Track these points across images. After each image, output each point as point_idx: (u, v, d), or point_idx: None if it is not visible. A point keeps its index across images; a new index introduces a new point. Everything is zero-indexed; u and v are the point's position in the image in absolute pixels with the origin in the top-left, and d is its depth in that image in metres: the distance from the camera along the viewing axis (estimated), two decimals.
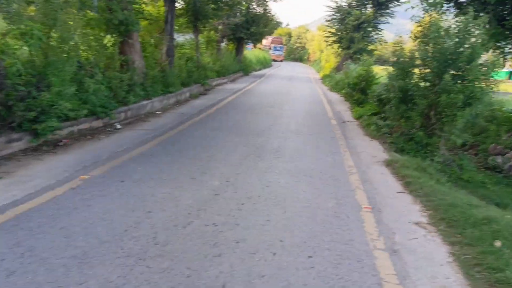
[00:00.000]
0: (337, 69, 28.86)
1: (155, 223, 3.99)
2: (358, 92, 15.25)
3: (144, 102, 10.18)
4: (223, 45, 28.89)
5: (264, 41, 75.30)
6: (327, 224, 4.31)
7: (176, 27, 17.77)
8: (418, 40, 9.07)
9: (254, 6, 29.20)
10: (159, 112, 10.69)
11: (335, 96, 18.63)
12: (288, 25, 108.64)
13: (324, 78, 29.55)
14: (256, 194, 5.06)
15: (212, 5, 17.18)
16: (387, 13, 26.95)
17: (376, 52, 31.29)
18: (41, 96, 6.17)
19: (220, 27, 23.48)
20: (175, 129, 8.74)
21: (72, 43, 7.63)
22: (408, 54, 9.57)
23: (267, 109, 12.76)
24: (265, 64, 46.46)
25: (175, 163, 6.14)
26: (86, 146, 6.86)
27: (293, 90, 20.21)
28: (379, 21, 27.42)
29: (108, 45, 9.77)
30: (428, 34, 8.49)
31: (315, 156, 7.34)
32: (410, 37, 9.10)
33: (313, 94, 19.04)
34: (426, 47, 8.73)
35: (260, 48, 67.80)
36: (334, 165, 6.84)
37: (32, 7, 7.35)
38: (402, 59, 9.45)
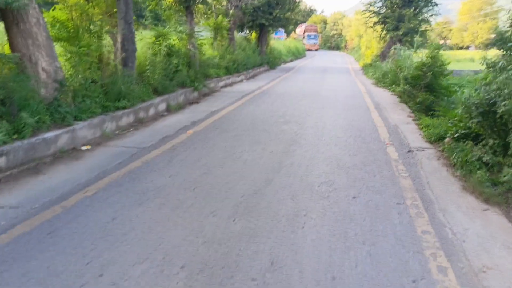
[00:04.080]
0: (382, 56, 23.32)
1: None
2: (422, 90, 10.13)
3: (50, 135, 5.69)
4: (241, 34, 24.28)
5: (297, 30, 69.96)
6: None
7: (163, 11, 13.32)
8: None
9: None
10: (84, 148, 6.19)
11: (384, 95, 13.41)
12: (323, 12, 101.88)
13: (366, 68, 24.13)
14: None
15: None
16: None
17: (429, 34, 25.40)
18: None
19: (231, 11, 18.76)
20: (63, 202, 4.18)
21: None
22: None
23: (278, 127, 7.95)
24: (298, 55, 41.67)
25: None
26: None
27: (325, 88, 15.13)
28: None
29: None
30: None
31: None
32: None
33: (353, 94, 13.85)
34: None
35: (294, 38, 62.53)
36: None
37: None
38: None
